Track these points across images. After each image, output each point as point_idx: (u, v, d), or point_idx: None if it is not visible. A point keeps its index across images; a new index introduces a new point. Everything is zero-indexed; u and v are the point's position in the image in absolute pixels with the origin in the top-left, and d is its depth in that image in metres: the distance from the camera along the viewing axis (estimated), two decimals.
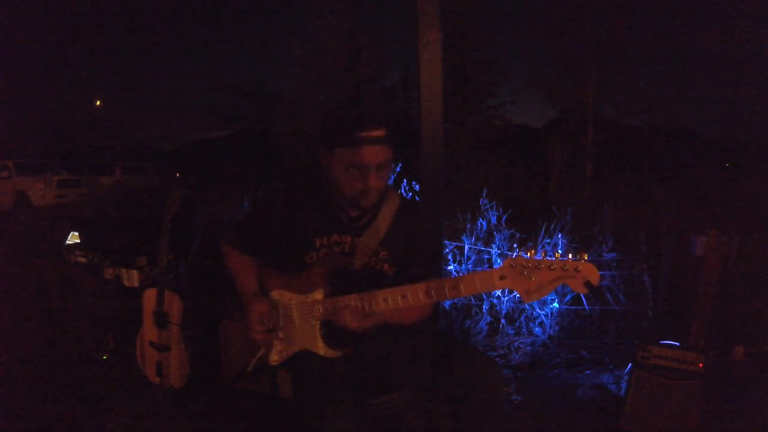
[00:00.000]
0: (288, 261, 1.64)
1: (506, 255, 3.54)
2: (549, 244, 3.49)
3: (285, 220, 1.62)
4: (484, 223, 3.66)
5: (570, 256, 1.12)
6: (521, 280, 1.19)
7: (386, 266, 1.61)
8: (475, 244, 3.60)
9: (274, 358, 1.62)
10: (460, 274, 3.55)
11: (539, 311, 3.36)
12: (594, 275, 1.13)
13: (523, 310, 3.42)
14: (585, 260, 1.12)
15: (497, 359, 3.08)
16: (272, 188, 1.94)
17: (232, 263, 1.70)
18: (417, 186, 3.53)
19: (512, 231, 3.61)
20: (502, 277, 1.24)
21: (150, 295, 2.52)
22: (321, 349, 1.55)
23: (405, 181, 3.78)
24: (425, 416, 1.64)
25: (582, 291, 1.13)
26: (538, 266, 1.16)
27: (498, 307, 3.43)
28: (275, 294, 1.63)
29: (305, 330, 1.57)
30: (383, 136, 1.44)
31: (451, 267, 3.56)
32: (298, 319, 1.58)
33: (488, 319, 3.37)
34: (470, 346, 1.61)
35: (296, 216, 1.61)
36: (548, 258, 1.15)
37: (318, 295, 1.55)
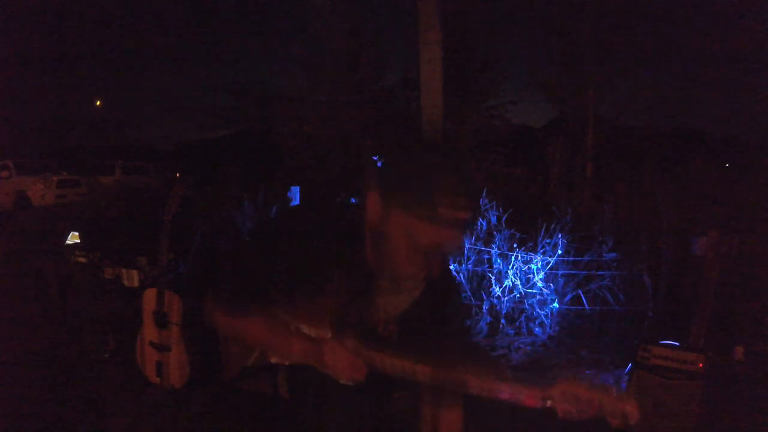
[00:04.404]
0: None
1: (506, 255, 3.54)
2: (549, 244, 3.49)
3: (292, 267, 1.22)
4: (484, 223, 3.66)
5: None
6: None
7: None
8: (475, 244, 3.60)
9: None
10: (460, 275, 3.56)
11: (539, 311, 3.36)
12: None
13: (522, 310, 3.42)
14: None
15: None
16: (275, 222, 1.41)
17: (248, 328, 1.27)
18: None
19: (512, 231, 3.61)
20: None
21: (150, 295, 2.52)
22: None
23: None
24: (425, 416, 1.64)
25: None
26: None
27: (498, 307, 3.43)
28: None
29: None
30: (467, 221, 1.06)
31: (450, 267, 3.56)
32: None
33: (488, 319, 3.37)
34: (476, 346, 1.57)
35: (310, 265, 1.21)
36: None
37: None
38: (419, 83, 2.35)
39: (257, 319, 1.24)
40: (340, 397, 1.38)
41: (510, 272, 3.47)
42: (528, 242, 3.60)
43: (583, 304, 3.28)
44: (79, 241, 3.73)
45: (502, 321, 3.41)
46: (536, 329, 3.34)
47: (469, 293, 3.49)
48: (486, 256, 3.57)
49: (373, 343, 1.18)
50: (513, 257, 3.47)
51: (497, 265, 3.51)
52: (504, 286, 3.45)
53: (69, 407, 2.47)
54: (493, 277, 3.51)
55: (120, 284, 3.27)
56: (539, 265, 3.42)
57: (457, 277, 3.50)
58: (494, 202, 3.70)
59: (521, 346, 3.22)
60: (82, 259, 3.53)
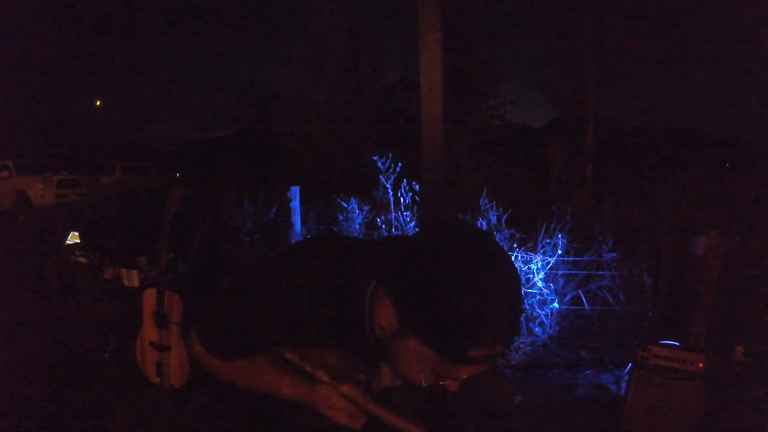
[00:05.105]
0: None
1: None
2: (549, 244, 3.49)
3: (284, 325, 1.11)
4: (484, 223, 3.66)
5: None
6: None
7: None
8: None
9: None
10: None
11: (539, 311, 3.36)
12: None
13: (523, 310, 3.42)
14: None
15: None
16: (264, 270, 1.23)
17: (231, 367, 1.23)
18: (417, 186, 3.53)
19: (512, 231, 3.61)
20: None
21: (150, 295, 2.52)
22: None
23: (405, 181, 3.77)
24: (425, 416, 1.64)
25: None
26: None
27: None
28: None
29: None
30: (498, 354, 0.89)
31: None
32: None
33: None
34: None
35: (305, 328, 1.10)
36: None
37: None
38: (419, 83, 2.36)
39: (244, 359, 1.18)
40: None
41: None
42: (528, 242, 3.60)
43: (583, 304, 3.28)
44: (79, 241, 3.74)
45: None
46: (536, 329, 3.34)
47: None
48: None
49: (370, 395, 1.11)
50: (513, 257, 3.47)
51: None
52: None
53: (69, 407, 2.47)
54: None
55: (120, 284, 3.27)
56: (539, 265, 3.42)
57: None
58: (494, 202, 3.70)
59: (521, 346, 3.22)
60: (82, 259, 3.53)
